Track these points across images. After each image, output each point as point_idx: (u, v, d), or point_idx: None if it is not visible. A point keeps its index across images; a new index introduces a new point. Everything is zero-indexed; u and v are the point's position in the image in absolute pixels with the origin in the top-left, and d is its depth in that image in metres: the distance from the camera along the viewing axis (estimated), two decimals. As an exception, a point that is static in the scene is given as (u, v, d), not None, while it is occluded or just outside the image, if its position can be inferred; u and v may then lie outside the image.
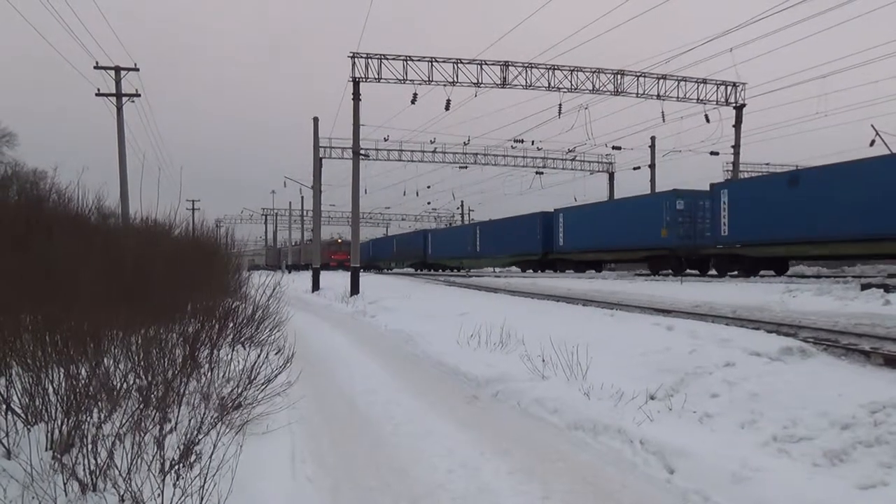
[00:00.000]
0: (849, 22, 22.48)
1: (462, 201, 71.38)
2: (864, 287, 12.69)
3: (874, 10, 21.19)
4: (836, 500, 4.23)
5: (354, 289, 26.91)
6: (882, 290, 11.97)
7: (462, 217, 75.26)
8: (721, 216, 22.60)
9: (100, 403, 4.46)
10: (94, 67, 25.06)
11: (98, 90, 25.37)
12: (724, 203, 22.54)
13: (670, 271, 25.66)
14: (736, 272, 22.32)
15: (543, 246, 35.22)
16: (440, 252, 52.22)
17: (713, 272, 24.46)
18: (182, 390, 5.36)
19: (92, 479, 3.69)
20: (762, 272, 22.41)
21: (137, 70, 25.53)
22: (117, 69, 25.27)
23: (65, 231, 9.11)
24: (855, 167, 18.83)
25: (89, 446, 3.74)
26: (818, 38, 24.35)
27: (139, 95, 25.89)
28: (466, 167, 44.36)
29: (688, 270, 25.36)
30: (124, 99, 25.48)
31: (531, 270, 36.59)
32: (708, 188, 24.71)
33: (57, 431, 4.15)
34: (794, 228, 19.76)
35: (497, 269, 42.10)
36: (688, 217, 25.14)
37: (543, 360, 8.38)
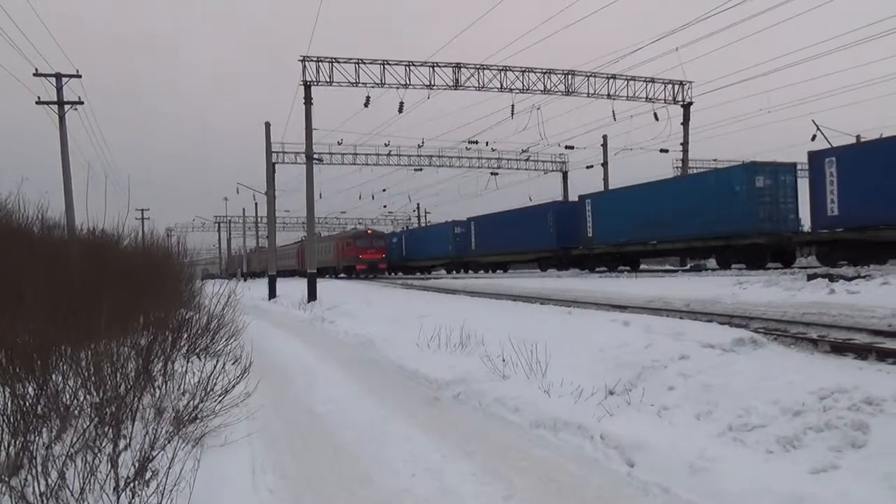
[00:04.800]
0: (789, 21, 23.23)
1: (418, 203, 71.37)
2: (811, 277, 13.10)
3: (813, 9, 21.91)
4: (790, 486, 4.35)
5: (312, 295, 26.60)
6: (827, 280, 12.37)
7: (419, 219, 75.21)
8: (827, 192, 18.53)
9: (49, 422, 4.32)
10: (34, 74, 24.24)
11: (38, 98, 24.55)
12: (832, 175, 18.51)
13: (743, 265, 21.60)
14: (845, 262, 18.00)
15: (559, 240, 31.85)
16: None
17: (804, 263, 20.84)
18: (136, 405, 5.22)
19: (42, 502, 3.56)
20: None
21: (80, 77, 24.80)
22: (58, 76, 24.46)
23: (6, 244, 8.78)
24: None
25: (39, 467, 3.61)
26: (760, 37, 25.04)
27: (82, 103, 25.11)
28: (422, 169, 44.24)
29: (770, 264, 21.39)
30: (67, 107, 24.70)
31: (553, 269, 32.63)
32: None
33: (3, 453, 4.00)
34: None
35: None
36: (768, 197, 21.18)
37: (504, 360, 8.42)
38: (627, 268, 27.81)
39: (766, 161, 22.11)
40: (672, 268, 25.22)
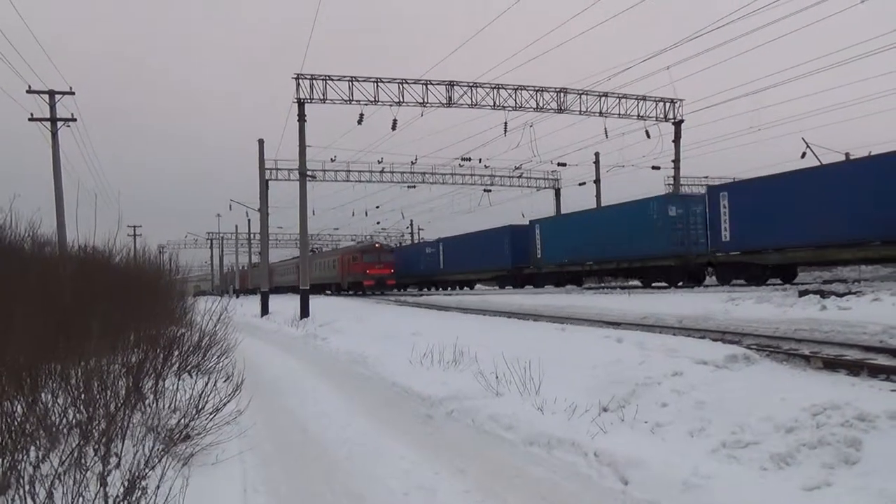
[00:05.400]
0: (779, 39, 23.46)
1: (411, 220, 71.39)
2: (802, 294, 13.16)
3: (802, 28, 22.26)
4: (784, 503, 4.34)
5: (304, 312, 26.48)
6: (818, 296, 12.43)
7: (412, 236, 75.17)
8: (721, 221, 21.45)
9: (38, 441, 4.27)
10: (28, 91, 24.24)
11: (31, 115, 24.54)
12: (725, 207, 21.33)
13: (664, 283, 24.44)
14: (742, 281, 21.10)
15: (513, 260, 34.43)
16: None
17: (711, 282, 23.22)
18: (126, 423, 5.17)
19: (30, 522, 3.51)
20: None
21: (73, 94, 24.80)
22: (51, 93, 24.45)
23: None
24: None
25: (27, 487, 3.56)
26: (750, 56, 25.30)
27: (75, 120, 25.10)
28: (415, 186, 44.30)
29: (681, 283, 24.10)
30: (59, 124, 24.68)
31: (510, 287, 34.95)
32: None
33: (-9, 473, 3.94)
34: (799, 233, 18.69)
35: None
36: (680, 224, 23.77)
37: (497, 377, 8.39)
38: (575, 285, 30.13)
39: (679, 193, 25.75)
40: (664, 284, 25.50)
